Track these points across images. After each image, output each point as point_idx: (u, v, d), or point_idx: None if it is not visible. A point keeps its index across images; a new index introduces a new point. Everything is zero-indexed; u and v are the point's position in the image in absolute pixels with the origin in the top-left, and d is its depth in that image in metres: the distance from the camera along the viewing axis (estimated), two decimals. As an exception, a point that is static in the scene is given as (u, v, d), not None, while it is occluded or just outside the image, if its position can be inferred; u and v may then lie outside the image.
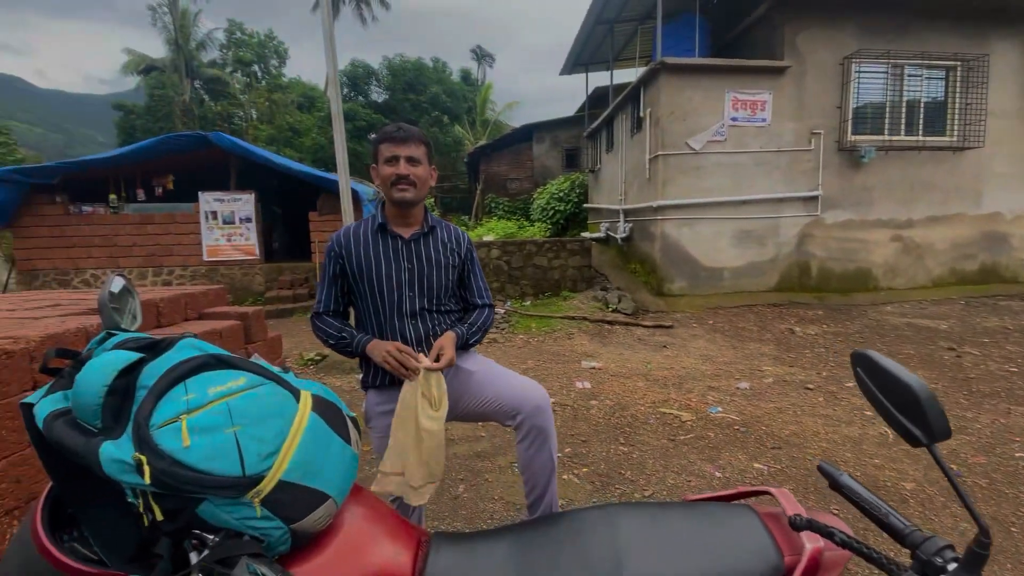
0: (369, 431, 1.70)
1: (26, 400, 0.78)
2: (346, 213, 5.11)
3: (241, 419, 0.76)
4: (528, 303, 7.48)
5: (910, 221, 7.48)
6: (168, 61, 23.76)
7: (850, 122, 7.11)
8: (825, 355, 4.87)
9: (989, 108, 7.28)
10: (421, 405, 1.46)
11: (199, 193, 8.78)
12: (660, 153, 7.05)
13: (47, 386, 0.81)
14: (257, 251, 9.04)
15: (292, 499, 0.77)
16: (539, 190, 14.22)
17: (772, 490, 0.99)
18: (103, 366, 0.76)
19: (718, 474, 2.74)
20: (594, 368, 4.66)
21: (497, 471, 2.84)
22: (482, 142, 19.70)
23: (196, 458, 0.70)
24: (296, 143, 21.73)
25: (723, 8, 8.31)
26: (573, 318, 6.52)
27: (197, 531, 0.73)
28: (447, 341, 1.57)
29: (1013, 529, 2.22)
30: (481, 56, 34.39)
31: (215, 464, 0.71)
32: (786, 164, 7.16)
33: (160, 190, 9.08)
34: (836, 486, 0.81)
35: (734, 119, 7.01)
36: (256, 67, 26.95)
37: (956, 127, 7.39)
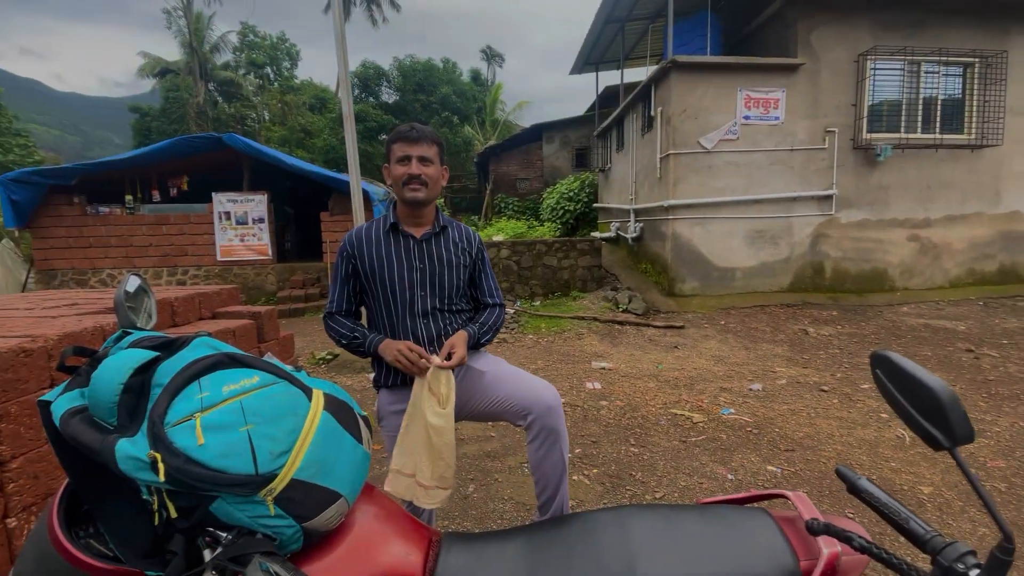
0: (381, 430, 1.70)
1: (43, 398, 0.79)
2: (357, 213, 5.14)
3: (254, 417, 0.76)
4: (538, 303, 7.47)
5: (927, 220, 7.36)
6: (183, 64, 24.08)
7: (865, 120, 7.01)
8: (840, 356, 4.80)
9: (1008, 105, 7.14)
10: (428, 402, 1.46)
11: (213, 194, 8.89)
12: (671, 152, 7.00)
13: (64, 384, 0.82)
14: (270, 251, 9.13)
15: (304, 497, 0.77)
16: (549, 190, 14.19)
17: (787, 493, 0.98)
18: (119, 364, 0.77)
19: (730, 476, 2.71)
20: (604, 369, 4.64)
21: (507, 471, 2.84)
22: (492, 142, 19.73)
23: (210, 456, 0.71)
24: (308, 144, 21.89)
25: (735, 6, 8.23)
26: (583, 318, 6.50)
27: (211, 528, 0.74)
28: (459, 340, 1.57)
29: (1035, 535, 2.17)
30: (491, 56, 34.41)
31: (228, 462, 0.72)
32: (800, 163, 7.08)
33: (175, 191, 9.21)
34: (854, 490, 0.79)
35: (747, 117, 6.94)
36: (269, 69, 27.20)
37: (974, 125, 7.25)
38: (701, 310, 6.71)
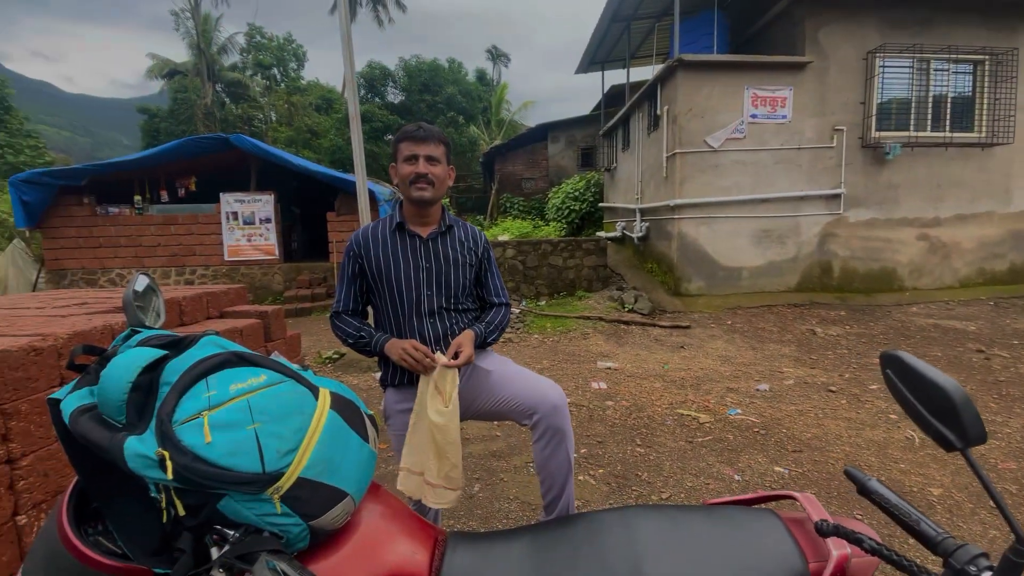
0: (387, 429, 1.71)
1: (53, 396, 0.80)
2: (363, 213, 5.15)
3: (261, 416, 0.76)
4: (543, 303, 7.47)
5: (937, 219, 7.29)
6: (191, 65, 24.22)
7: (874, 118, 6.95)
8: (848, 357, 4.77)
9: (1019, 103, 7.05)
10: (432, 400, 1.46)
11: (220, 194, 8.95)
12: (677, 151, 6.97)
13: (74, 382, 0.82)
14: (276, 251, 9.18)
15: (311, 496, 0.77)
16: (554, 189, 14.17)
17: (796, 494, 0.97)
18: (128, 363, 0.77)
19: (737, 477, 2.69)
20: (610, 368, 4.63)
21: (512, 471, 2.84)
22: (497, 142, 19.71)
23: (217, 454, 0.71)
24: (314, 144, 21.99)
25: (742, 4, 8.18)
26: (588, 318, 6.49)
27: (218, 526, 0.74)
28: (465, 339, 1.57)
29: (1047, 537, 2.14)
30: (496, 56, 34.38)
31: (235, 460, 0.72)
32: (807, 161, 7.03)
33: (183, 191, 9.28)
34: (864, 491, 0.78)
35: (754, 116, 6.90)
36: (275, 70, 27.32)
37: (984, 123, 7.17)
38: (707, 310, 6.68)
